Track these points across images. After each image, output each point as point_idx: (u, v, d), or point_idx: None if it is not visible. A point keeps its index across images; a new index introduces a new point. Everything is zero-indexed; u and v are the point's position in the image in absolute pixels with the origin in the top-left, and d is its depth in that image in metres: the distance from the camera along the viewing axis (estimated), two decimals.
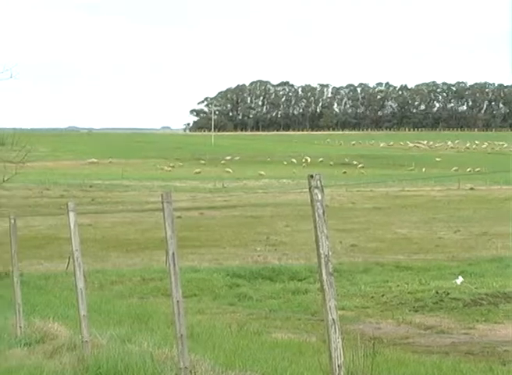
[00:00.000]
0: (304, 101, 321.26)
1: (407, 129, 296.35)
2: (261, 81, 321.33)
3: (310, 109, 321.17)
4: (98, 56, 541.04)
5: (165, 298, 23.15)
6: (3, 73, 23.88)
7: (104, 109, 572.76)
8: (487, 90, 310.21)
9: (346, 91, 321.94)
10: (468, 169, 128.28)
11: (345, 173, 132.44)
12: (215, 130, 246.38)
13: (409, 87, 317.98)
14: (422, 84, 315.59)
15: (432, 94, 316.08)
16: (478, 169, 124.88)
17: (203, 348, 11.01)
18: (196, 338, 12.70)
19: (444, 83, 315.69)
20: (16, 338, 12.90)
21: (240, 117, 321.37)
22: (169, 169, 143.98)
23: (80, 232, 11.25)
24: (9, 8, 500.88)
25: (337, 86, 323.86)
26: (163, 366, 9.62)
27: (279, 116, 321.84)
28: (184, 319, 8.87)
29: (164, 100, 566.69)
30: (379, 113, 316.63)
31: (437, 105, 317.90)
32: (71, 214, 11.19)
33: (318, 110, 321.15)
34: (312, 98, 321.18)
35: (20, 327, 13.36)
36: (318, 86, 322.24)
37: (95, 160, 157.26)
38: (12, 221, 13.59)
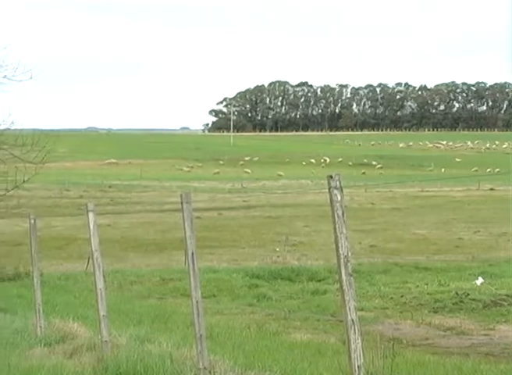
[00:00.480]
0: (323, 101, 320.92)
1: (426, 129, 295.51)
2: (279, 82, 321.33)
3: (329, 110, 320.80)
4: (117, 57, 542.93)
5: (184, 299, 23.18)
6: (23, 74, 23.99)
7: (123, 110, 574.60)
8: (507, 90, 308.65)
9: (366, 91, 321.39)
10: (488, 170, 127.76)
11: (364, 173, 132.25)
12: (233, 131, 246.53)
13: (428, 87, 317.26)
14: (442, 84, 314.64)
15: (452, 95, 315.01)
16: (497, 170, 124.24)
17: (222, 349, 11.01)
18: (215, 339, 12.71)
19: (464, 84, 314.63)
20: (36, 338, 12.94)
21: (259, 118, 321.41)
22: (188, 169, 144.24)
23: (99, 232, 11.28)
24: (29, 9, 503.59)
25: (356, 86, 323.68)
26: (182, 367, 9.63)
27: (298, 116, 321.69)
28: (203, 320, 8.88)
29: (183, 100, 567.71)
30: (398, 113, 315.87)
31: (457, 105, 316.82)
32: (90, 214, 11.22)
33: (337, 110, 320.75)
34: (331, 99, 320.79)
35: (40, 327, 13.41)
36: (337, 86, 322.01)
37: (114, 161, 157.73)
38: (32, 221, 13.64)
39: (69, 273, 31.35)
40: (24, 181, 26.62)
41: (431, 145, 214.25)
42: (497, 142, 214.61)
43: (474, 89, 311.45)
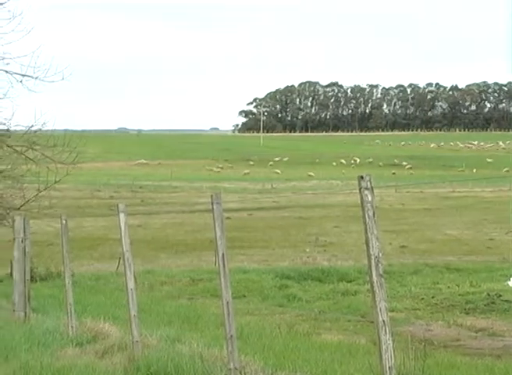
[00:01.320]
0: (353, 101, 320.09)
1: (457, 129, 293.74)
2: (310, 82, 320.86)
3: (359, 110, 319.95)
4: (147, 59, 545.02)
5: (214, 299, 23.24)
6: (55, 75, 24.11)
7: (154, 111, 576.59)
8: None
9: (396, 91, 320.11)
10: None
11: (394, 173, 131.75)
12: (263, 131, 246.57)
13: (459, 87, 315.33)
14: (473, 85, 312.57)
15: (483, 95, 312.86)
16: None
17: (252, 349, 11.01)
18: (245, 339, 12.70)
19: (495, 84, 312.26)
20: (67, 338, 12.99)
21: (289, 118, 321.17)
22: (218, 170, 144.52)
23: (130, 233, 11.31)
24: (60, 10, 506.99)
25: (387, 86, 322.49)
26: (213, 367, 9.63)
27: (328, 116, 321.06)
28: (234, 320, 8.88)
29: (213, 101, 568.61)
30: (429, 114, 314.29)
31: (488, 105, 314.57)
32: (121, 215, 11.25)
33: (367, 111, 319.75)
34: (361, 99, 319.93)
35: (72, 327, 13.47)
36: (367, 86, 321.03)
37: (144, 161, 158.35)
38: (64, 222, 13.70)
39: (100, 273, 31.53)
40: (56, 182, 26.78)
41: (462, 146, 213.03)
42: None
43: (506, 89, 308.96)
